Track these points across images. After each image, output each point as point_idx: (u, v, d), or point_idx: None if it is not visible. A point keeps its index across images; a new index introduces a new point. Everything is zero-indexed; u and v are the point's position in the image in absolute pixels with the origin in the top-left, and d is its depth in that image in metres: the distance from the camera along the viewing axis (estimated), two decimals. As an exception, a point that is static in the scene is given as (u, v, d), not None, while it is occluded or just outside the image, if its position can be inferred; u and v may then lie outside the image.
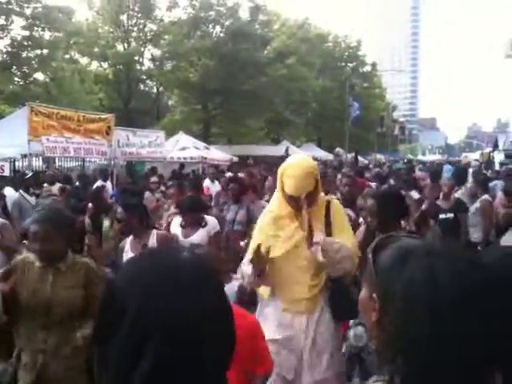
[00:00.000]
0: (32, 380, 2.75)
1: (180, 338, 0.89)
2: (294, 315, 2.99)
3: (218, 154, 20.85)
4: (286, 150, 24.84)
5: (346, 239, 2.94)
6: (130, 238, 4.53)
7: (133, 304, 0.89)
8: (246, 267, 3.02)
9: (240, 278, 3.19)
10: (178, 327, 0.89)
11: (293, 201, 2.97)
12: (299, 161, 3.03)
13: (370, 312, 1.11)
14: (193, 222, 5.10)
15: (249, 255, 2.98)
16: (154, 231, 4.54)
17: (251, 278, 2.96)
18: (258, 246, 2.79)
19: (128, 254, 4.34)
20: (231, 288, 3.89)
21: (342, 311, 2.96)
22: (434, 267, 1.00)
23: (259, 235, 3.10)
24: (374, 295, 1.09)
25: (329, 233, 2.98)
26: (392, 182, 11.23)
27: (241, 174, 13.94)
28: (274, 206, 3.15)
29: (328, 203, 3.09)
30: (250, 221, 6.81)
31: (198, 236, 5.01)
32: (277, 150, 27.99)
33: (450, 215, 6.86)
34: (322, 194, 3.15)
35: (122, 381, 0.88)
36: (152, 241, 4.37)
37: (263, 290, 3.12)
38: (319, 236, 2.86)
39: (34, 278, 2.81)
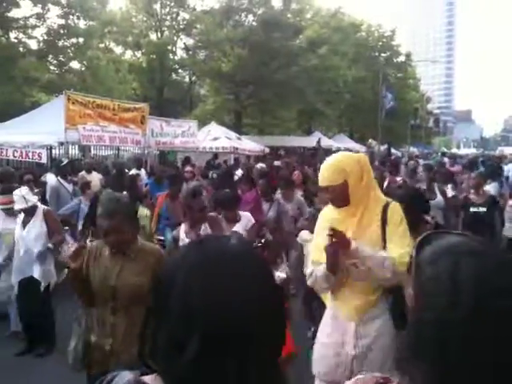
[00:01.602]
0: (100, 360, 2.88)
1: (226, 323, 0.89)
2: (347, 321, 2.88)
3: (250, 145, 20.83)
4: (318, 141, 24.67)
5: (392, 246, 2.77)
6: (184, 226, 4.59)
7: (178, 288, 0.91)
8: (317, 269, 2.89)
9: (310, 282, 3.03)
10: (224, 312, 0.89)
11: (326, 194, 2.97)
12: (332, 155, 3.01)
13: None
14: (227, 217, 5.06)
15: (313, 256, 2.96)
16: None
17: (327, 280, 2.85)
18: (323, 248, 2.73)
19: (185, 241, 4.44)
20: None
21: (401, 319, 2.74)
22: (457, 267, 0.99)
23: (317, 235, 3.05)
24: (412, 292, 1.11)
25: (383, 238, 2.83)
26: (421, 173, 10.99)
27: (277, 162, 13.87)
28: (329, 206, 3.09)
29: (386, 205, 2.90)
30: (279, 217, 6.85)
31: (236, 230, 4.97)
32: (308, 141, 27.87)
33: (483, 209, 6.75)
34: (379, 195, 2.99)
35: (170, 363, 0.89)
36: (205, 226, 4.45)
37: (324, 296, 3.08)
38: (362, 252, 2.71)
39: (104, 264, 2.91)
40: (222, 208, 5.08)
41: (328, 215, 3.02)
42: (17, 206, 5.05)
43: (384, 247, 2.80)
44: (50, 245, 5.07)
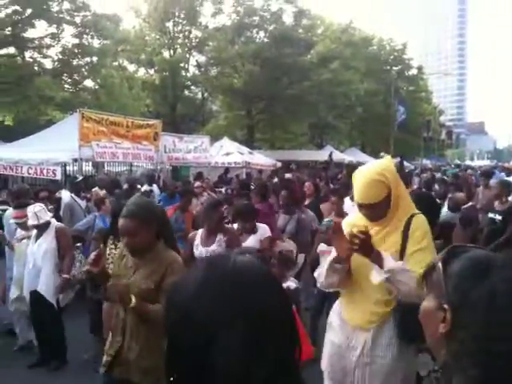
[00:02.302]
0: (111, 358, 2.96)
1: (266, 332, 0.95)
2: (355, 328, 2.84)
3: (262, 159, 20.90)
4: (330, 155, 24.68)
5: (416, 262, 2.56)
6: (201, 232, 4.74)
7: (241, 325, 0.94)
8: (322, 267, 2.90)
9: (317, 278, 3.07)
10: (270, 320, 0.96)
11: (362, 209, 2.83)
12: (368, 167, 2.84)
13: (437, 323, 1.09)
14: (245, 228, 5.15)
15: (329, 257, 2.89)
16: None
17: (332, 271, 2.80)
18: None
19: (199, 248, 4.62)
20: None
21: (409, 333, 2.55)
22: None
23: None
24: (446, 306, 1.07)
25: (403, 249, 2.72)
26: (437, 187, 10.96)
27: (288, 175, 13.90)
28: (354, 213, 3.00)
29: (411, 217, 2.78)
30: (298, 232, 6.63)
31: (250, 242, 5.04)
32: (320, 155, 27.87)
33: (498, 217, 6.60)
34: (409, 203, 2.88)
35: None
36: (220, 237, 4.62)
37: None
38: (389, 263, 2.57)
39: (124, 263, 3.01)
40: (239, 219, 5.18)
41: (352, 223, 2.91)
42: (29, 222, 5.14)
43: (400, 258, 2.70)
44: (66, 275, 5.14)
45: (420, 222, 2.79)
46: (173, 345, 0.99)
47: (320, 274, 2.95)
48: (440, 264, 1.14)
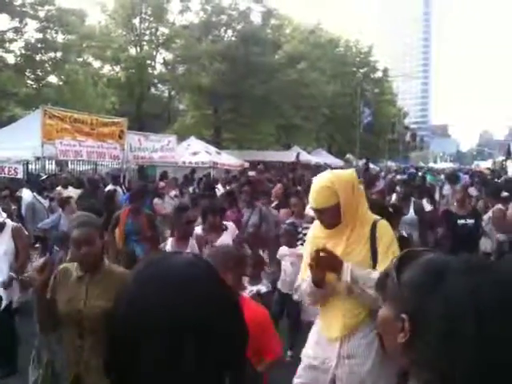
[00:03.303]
0: None
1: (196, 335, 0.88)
2: (330, 340, 2.84)
3: (229, 159, 20.86)
4: (297, 156, 24.83)
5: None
6: (170, 241, 4.72)
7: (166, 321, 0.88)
8: (303, 284, 2.90)
9: (296, 296, 3.10)
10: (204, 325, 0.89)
11: (315, 213, 2.94)
12: (323, 174, 2.94)
13: (395, 333, 1.04)
14: (214, 224, 5.05)
15: (303, 273, 2.92)
16: (194, 233, 4.77)
17: (312, 294, 2.84)
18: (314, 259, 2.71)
19: None
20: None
21: None
22: (476, 286, 0.95)
23: (308, 249, 3.00)
24: (404, 315, 1.02)
25: (374, 259, 2.77)
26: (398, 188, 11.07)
27: (252, 173, 13.93)
28: (316, 223, 3.03)
29: (374, 223, 2.84)
30: (261, 224, 6.65)
31: (223, 240, 4.92)
32: (287, 156, 28.00)
33: (471, 221, 6.71)
34: (367, 212, 2.93)
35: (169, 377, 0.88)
36: (192, 242, 4.60)
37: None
38: (346, 275, 2.66)
39: (70, 287, 2.86)
40: (208, 216, 5.07)
41: (316, 234, 2.97)
42: None
43: (373, 266, 2.74)
44: (12, 274, 4.96)
45: (385, 228, 2.87)
46: (107, 349, 0.96)
47: (297, 290, 3.02)
48: (394, 272, 1.08)
